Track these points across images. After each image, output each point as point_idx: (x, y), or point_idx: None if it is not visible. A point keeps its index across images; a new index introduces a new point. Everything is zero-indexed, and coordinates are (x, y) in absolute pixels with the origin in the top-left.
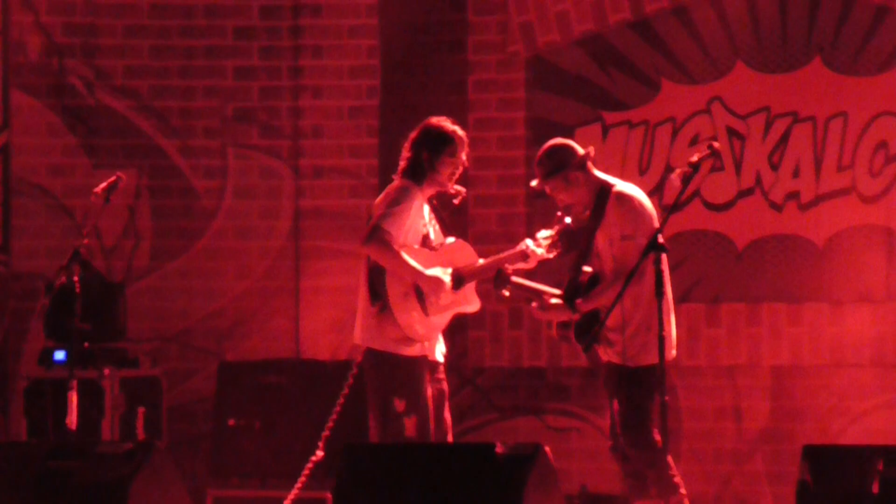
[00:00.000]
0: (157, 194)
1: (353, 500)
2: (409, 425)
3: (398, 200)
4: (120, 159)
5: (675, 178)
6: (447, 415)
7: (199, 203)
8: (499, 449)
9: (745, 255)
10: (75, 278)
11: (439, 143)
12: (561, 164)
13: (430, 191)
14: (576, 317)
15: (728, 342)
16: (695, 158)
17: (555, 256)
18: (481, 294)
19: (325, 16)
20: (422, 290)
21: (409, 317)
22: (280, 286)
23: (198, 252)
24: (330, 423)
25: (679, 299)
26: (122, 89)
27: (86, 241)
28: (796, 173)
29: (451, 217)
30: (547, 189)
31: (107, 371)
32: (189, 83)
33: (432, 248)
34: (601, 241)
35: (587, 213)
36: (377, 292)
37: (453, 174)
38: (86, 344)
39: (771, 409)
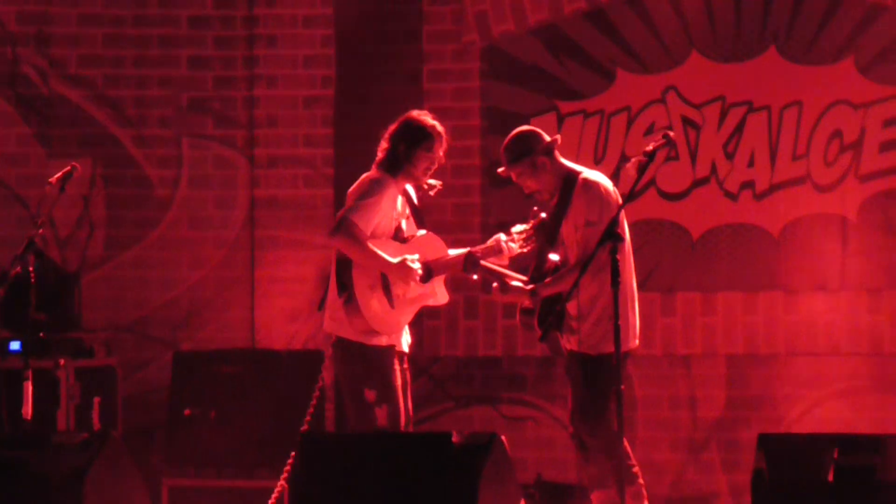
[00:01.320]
0: (111, 184)
1: (309, 490)
2: (381, 415)
3: (369, 193)
4: (74, 149)
5: (630, 167)
6: (409, 404)
7: (153, 193)
8: (454, 438)
9: (700, 245)
10: (30, 268)
11: (417, 137)
12: (527, 150)
13: (405, 183)
14: (538, 303)
15: (683, 331)
16: (650, 148)
17: (529, 251)
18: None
19: (280, 5)
20: (389, 280)
21: (375, 309)
22: (235, 276)
23: (153, 242)
24: (307, 417)
25: None
26: (76, 78)
27: (40, 230)
28: (751, 162)
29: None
30: (513, 175)
31: (62, 361)
32: (143, 72)
33: (403, 240)
34: (567, 228)
35: (553, 200)
36: (344, 284)
37: (429, 168)
38: (41, 334)
39: (726, 398)
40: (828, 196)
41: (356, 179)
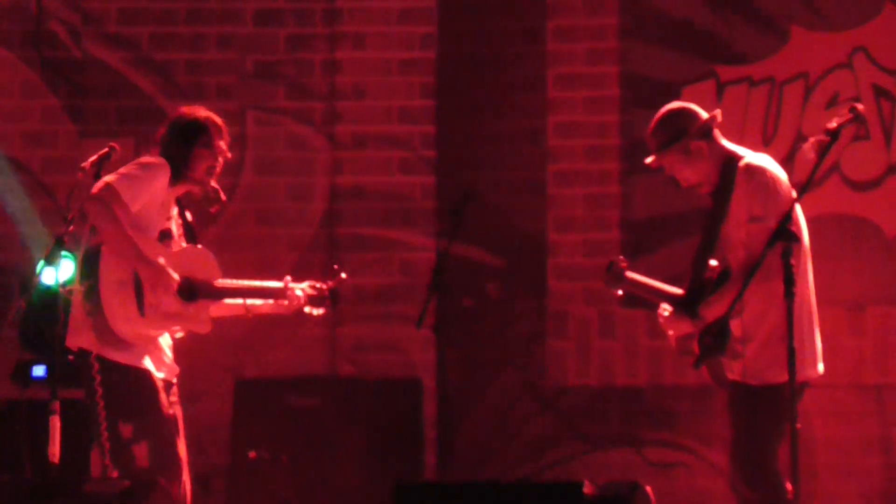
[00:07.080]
0: None
1: None
2: (139, 454)
3: (143, 168)
4: (112, 125)
5: (808, 148)
6: (182, 447)
7: None
8: (587, 489)
9: None
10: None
11: (190, 135)
12: (680, 132)
13: (183, 189)
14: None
15: (876, 356)
16: (833, 124)
17: (320, 316)
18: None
19: None
20: (141, 281)
21: (121, 311)
22: None
23: (210, 241)
24: (107, 444)
25: None
26: (115, 38)
27: (71, 227)
28: None
29: (204, 219)
30: (665, 164)
31: None
32: (199, 30)
33: (169, 248)
34: (728, 225)
35: (712, 192)
36: (87, 273)
37: (212, 168)
38: (70, 357)
39: None
40: None
41: (463, 162)
